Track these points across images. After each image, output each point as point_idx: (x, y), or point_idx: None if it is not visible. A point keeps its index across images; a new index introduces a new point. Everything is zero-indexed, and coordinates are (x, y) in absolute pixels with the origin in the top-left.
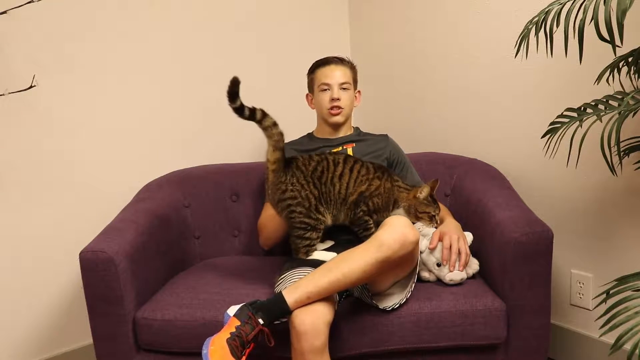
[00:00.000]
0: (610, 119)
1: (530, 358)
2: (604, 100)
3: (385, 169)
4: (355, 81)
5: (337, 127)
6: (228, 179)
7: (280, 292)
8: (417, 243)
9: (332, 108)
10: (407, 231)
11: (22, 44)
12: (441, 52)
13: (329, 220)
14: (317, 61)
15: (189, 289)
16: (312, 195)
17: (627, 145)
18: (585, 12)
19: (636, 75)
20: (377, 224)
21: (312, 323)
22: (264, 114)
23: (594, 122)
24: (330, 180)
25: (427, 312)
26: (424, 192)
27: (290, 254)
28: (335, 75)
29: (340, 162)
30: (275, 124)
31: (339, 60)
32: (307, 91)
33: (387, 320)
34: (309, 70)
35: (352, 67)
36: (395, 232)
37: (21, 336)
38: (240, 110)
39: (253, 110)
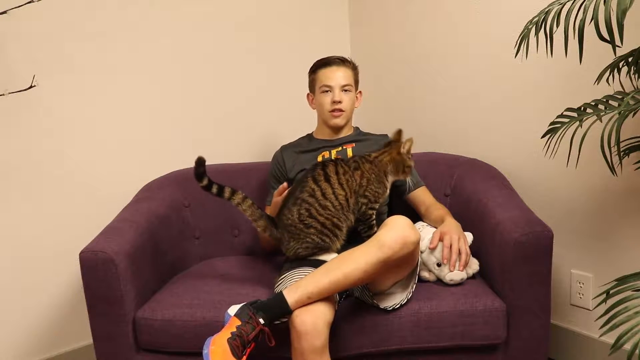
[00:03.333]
0: (610, 119)
1: (530, 358)
2: (604, 100)
3: (356, 157)
4: (356, 82)
5: (337, 129)
6: (228, 179)
7: (281, 291)
8: (417, 243)
9: (333, 111)
10: (407, 231)
11: (22, 44)
12: (441, 52)
13: (345, 230)
14: (318, 61)
15: (189, 289)
16: (313, 234)
17: (627, 145)
18: (585, 12)
19: (636, 75)
20: (380, 218)
21: (313, 323)
22: (233, 192)
23: (594, 122)
24: (320, 207)
25: (427, 312)
26: (407, 146)
27: None
28: (337, 77)
29: (313, 186)
30: (245, 199)
31: (341, 61)
32: (307, 91)
33: (387, 320)
34: (310, 69)
35: (354, 68)
36: (396, 232)
37: (21, 336)
38: (208, 188)
39: (221, 188)
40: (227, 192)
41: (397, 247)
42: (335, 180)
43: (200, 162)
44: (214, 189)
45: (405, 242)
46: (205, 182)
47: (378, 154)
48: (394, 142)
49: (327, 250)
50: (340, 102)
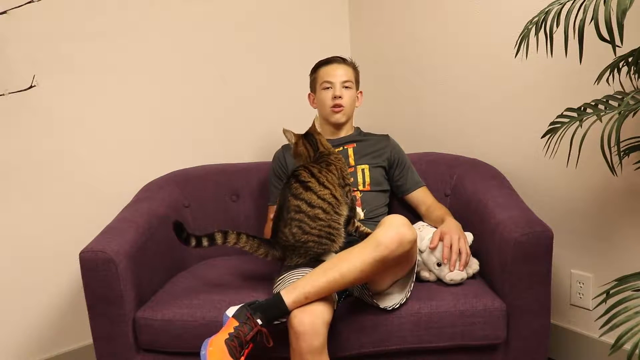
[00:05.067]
0: (610, 119)
1: (530, 358)
2: (604, 100)
3: (315, 158)
4: (357, 82)
5: (338, 126)
6: (228, 179)
7: (279, 292)
8: (414, 242)
9: (334, 106)
10: (404, 230)
11: (22, 44)
12: (441, 52)
13: (342, 228)
14: (320, 61)
15: (189, 289)
16: (312, 247)
17: (627, 145)
18: (585, 12)
19: (636, 75)
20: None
21: (311, 323)
22: (225, 235)
23: (594, 122)
24: (310, 220)
25: (427, 312)
26: (316, 125)
27: None
28: (338, 73)
29: (296, 202)
30: (239, 236)
31: (342, 60)
32: (307, 91)
33: (387, 320)
34: (311, 69)
35: (355, 68)
36: (392, 231)
37: (21, 336)
38: (198, 244)
39: (212, 238)
40: (219, 239)
41: (393, 246)
42: (315, 183)
43: (178, 228)
44: (205, 242)
45: (401, 241)
46: (193, 242)
47: (322, 147)
48: (310, 133)
49: (329, 252)
50: (340, 97)
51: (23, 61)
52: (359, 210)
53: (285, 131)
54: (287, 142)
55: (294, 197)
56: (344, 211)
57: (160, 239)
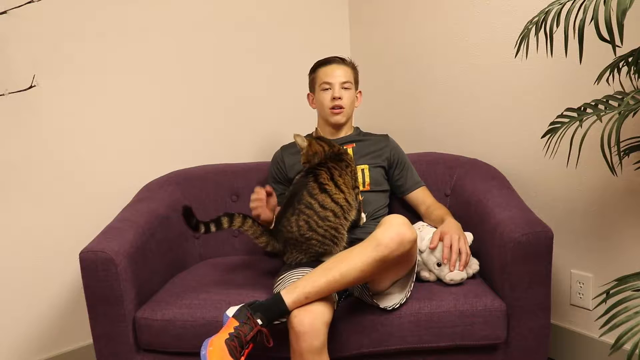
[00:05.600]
0: (610, 119)
1: (530, 358)
2: (604, 100)
3: (339, 156)
4: (356, 81)
5: (338, 127)
6: (228, 179)
7: (279, 292)
8: (414, 242)
9: (333, 107)
10: (404, 230)
11: (22, 44)
12: (441, 52)
13: (346, 233)
14: (318, 61)
15: (189, 289)
16: (315, 245)
17: (627, 145)
18: (585, 12)
19: (636, 75)
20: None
21: (311, 323)
22: (231, 219)
23: (594, 122)
24: (319, 219)
25: (427, 312)
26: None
27: None
28: (337, 74)
29: (309, 200)
30: (245, 219)
31: (341, 60)
32: (307, 91)
33: (387, 320)
34: (310, 69)
35: (354, 68)
36: (392, 231)
37: (21, 336)
38: (207, 231)
39: (219, 223)
40: (225, 222)
41: (393, 246)
42: (332, 186)
43: (187, 214)
44: (213, 228)
45: (401, 241)
46: (202, 229)
47: (334, 146)
48: (316, 137)
49: (330, 254)
50: (340, 98)
51: (23, 61)
52: (362, 214)
53: (296, 136)
54: (286, 143)
55: (308, 194)
56: (352, 216)
57: (160, 239)
